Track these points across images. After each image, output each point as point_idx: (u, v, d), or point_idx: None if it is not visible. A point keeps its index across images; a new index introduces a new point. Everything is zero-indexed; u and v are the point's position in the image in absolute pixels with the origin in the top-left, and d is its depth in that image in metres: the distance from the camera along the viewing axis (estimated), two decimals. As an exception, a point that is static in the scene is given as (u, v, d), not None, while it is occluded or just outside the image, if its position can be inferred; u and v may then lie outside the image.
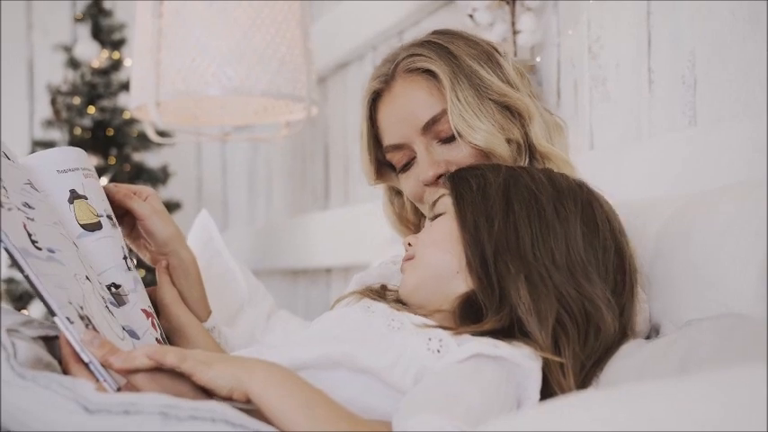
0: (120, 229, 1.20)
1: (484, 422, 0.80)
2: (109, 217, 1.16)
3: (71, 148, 1.18)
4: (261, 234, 2.93)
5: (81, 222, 1.10)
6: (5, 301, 2.54)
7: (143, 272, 2.15)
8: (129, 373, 0.89)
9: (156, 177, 2.67)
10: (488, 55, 1.27)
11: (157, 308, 1.26)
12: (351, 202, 2.51)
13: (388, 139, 1.29)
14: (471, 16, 1.76)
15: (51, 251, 0.97)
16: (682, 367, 0.86)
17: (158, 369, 0.89)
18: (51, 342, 0.97)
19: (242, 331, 1.53)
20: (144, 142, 2.62)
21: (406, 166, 1.29)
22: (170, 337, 1.26)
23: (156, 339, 1.13)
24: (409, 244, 1.13)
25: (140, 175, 2.64)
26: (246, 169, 3.27)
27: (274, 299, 1.80)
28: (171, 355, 0.89)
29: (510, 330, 0.97)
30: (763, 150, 1.24)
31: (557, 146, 1.28)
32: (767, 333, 0.81)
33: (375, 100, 1.31)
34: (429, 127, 1.25)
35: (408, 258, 1.12)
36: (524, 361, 0.93)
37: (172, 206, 2.67)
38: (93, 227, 1.11)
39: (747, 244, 1.01)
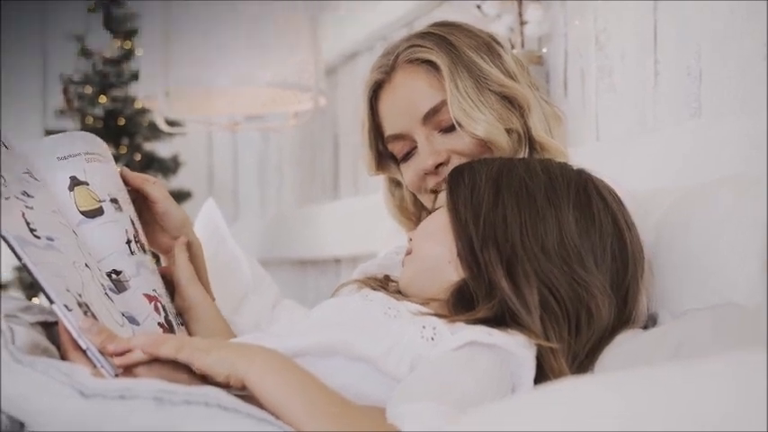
0: (126, 211, 1.16)
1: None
2: (113, 201, 1.14)
3: (74, 132, 1.17)
4: (271, 224, 2.93)
5: (81, 209, 1.10)
6: (17, 288, 2.56)
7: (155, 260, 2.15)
8: (126, 368, 0.91)
9: (167, 167, 2.68)
10: (488, 46, 1.28)
11: (172, 286, 1.23)
12: (360, 192, 2.51)
13: (390, 129, 1.30)
14: (479, 7, 1.76)
15: (50, 239, 0.97)
16: (677, 356, 0.86)
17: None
18: (50, 328, 0.98)
19: (247, 321, 1.54)
20: (155, 132, 2.64)
21: (407, 156, 1.30)
22: (183, 315, 1.23)
23: (159, 324, 1.12)
24: (410, 239, 1.15)
25: (151, 164, 2.66)
26: (257, 159, 3.27)
27: (283, 289, 1.80)
28: (167, 346, 0.90)
29: (504, 318, 0.97)
30: (764, 143, 1.24)
31: (555, 137, 1.29)
32: (767, 320, 0.82)
33: (376, 91, 1.32)
34: (429, 117, 1.26)
35: (408, 253, 1.14)
36: (518, 350, 0.93)
37: (182, 195, 2.68)
38: (94, 213, 1.11)
39: (746, 234, 1.02)
